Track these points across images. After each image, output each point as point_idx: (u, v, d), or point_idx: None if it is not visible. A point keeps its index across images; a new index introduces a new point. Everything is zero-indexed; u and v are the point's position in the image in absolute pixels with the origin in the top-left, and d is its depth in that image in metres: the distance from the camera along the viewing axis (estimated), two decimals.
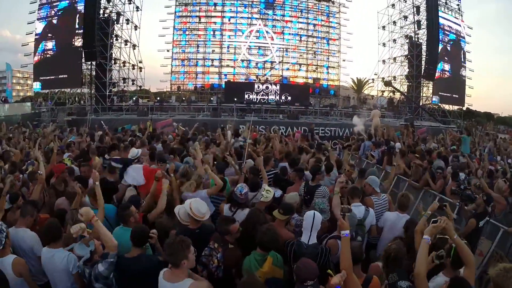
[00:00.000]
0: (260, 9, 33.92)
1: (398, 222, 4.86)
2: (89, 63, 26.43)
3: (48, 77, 26.82)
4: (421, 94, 31.23)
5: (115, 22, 27.42)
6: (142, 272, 3.48)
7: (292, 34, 34.63)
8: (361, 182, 6.33)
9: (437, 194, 7.65)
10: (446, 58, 30.78)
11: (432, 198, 7.79)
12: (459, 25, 32.64)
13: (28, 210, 4.31)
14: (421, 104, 30.85)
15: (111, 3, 26.96)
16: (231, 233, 3.91)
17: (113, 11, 27.49)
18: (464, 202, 5.95)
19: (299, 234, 4.08)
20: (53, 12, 27.18)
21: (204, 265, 3.65)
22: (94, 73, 26.85)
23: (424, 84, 31.17)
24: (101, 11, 26.09)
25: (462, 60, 32.85)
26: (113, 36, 26.98)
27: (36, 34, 27.47)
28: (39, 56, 27.20)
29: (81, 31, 24.92)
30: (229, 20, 34.02)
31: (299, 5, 34.61)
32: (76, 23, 25.91)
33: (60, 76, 26.32)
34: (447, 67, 30.93)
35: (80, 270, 3.42)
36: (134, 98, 28.62)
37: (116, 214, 4.61)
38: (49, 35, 27.12)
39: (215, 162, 6.85)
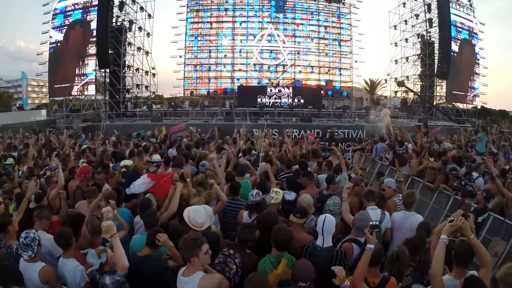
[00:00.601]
0: (271, 12, 33.97)
1: (406, 221, 4.89)
2: (103, 70, 26.82)
3: (63, 85, 27.27)
4: (435, 93, 30.93)
5: (128, 30, 27.80)
6: (148, 272, 3.59)
7: (303, 36, 34.53)
8: (377, 185, 6.35)
9: (451, 195, 7.60)
10: (459, 55, 30.36)
11: (446, 199, 7.76)
12: (471, 22, 32.19)
13: (45, 213, 4.47)
14: (435, 103, 30.57)
15: (123, 12, 27.30)
16: (256, 240, 3.97)
17: (126, 19, 27.86)
18: (465, 197, 6.03)
19: (316, 236, 4.10)
20: (67, 21, 27.64)
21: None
22: (108, 80, 27.24)
23: (437, 83, 30.89)
24: (114, 20, 26.49)
25: (476, 57, 32.40)
26: (126, 43, 27.33)
27: (50, 43, 27.99)
28: (54, 64, 27.66)
29: (95, 39, 25.32)
30: (240, 25, 34.11)
31: (310, 7, 34.53)
32: (91, 33, 26.21)
33: (74, 84, 26.73)
34: (460, 64, 30.44)
35: (93, 273, 3.53)
36: (147, 104, 28.86)
37: (130, 219, 4.71)
38: (64, 44, 27.55)
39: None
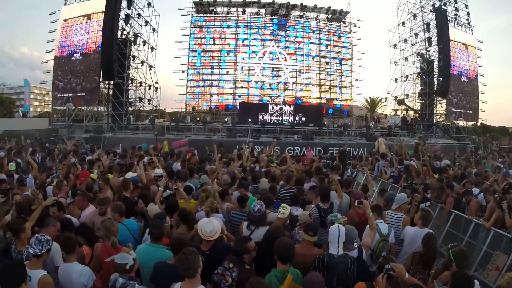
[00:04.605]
0: (273, 30, 34.46)
1: (418, 237, 4.92)
2: (107, 82, 27.13)
3: (66, 95, 27.41)
4: (435, 111, 31.26)
5: (133, 43, 28.15)
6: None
7: (305, 55, 35.06)
8: (381, 201, 6.52)
9: (452, 211, 7.77)
10: (458, 73, 30.72)
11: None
12: (470, 40, 32.70)
13: (51, 221, 4.53)
14: (435, 121, 30.81)
15: (128, 25, 27.71)
16: (249, 252, 4.00)
17: (131, 33, 28.26)
18: (414, 193, 7.14)
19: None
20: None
21: (214, 284, 3.64)
22: (111, 92, 27.49)
23: (437, 101, 31.20)
24: (119, 33, 26.85)
25: (474, 75, 32.75)
26: (130, 56, 27.60)
27: (55, 52, 28.24)
28: (58, 74, 27.92)
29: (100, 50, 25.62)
30: (243, 42, 34.61)
31: (311, 26, 35.12)
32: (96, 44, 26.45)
33: (78, 94, 26.93)
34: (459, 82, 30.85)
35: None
36: (150, 118, 29.00)
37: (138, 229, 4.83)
38: (68, 54, 27.86)
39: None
